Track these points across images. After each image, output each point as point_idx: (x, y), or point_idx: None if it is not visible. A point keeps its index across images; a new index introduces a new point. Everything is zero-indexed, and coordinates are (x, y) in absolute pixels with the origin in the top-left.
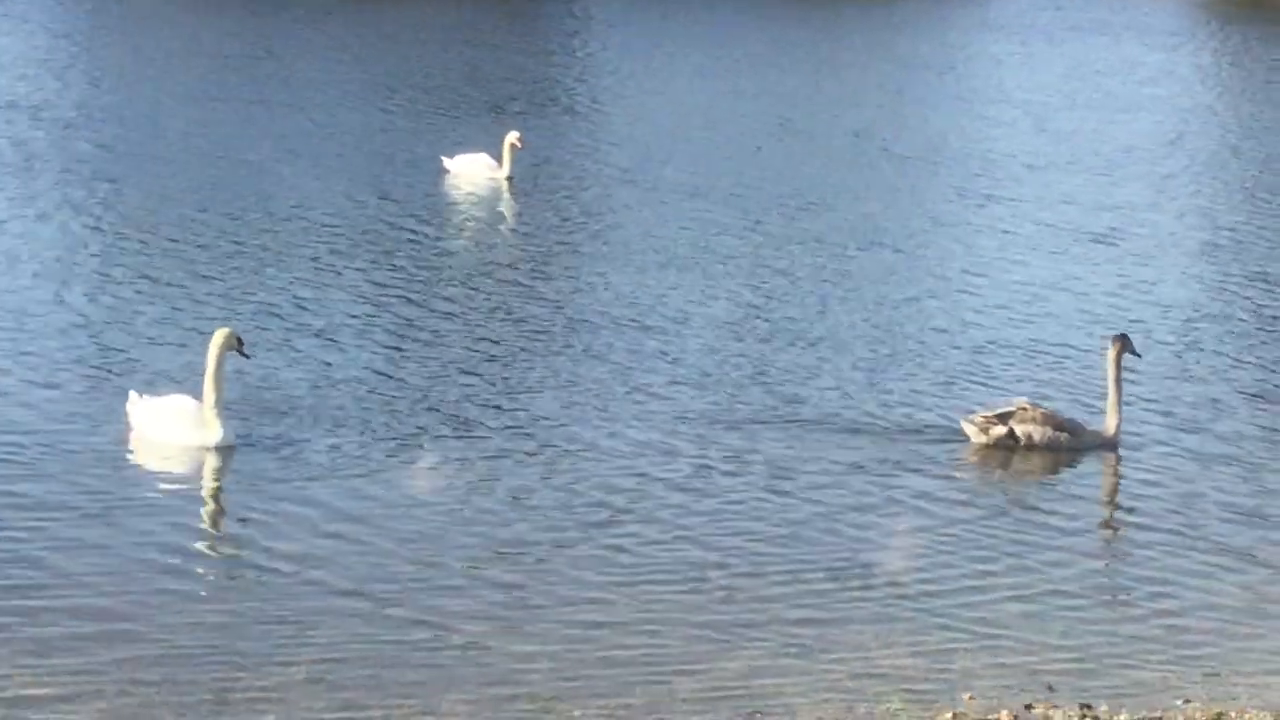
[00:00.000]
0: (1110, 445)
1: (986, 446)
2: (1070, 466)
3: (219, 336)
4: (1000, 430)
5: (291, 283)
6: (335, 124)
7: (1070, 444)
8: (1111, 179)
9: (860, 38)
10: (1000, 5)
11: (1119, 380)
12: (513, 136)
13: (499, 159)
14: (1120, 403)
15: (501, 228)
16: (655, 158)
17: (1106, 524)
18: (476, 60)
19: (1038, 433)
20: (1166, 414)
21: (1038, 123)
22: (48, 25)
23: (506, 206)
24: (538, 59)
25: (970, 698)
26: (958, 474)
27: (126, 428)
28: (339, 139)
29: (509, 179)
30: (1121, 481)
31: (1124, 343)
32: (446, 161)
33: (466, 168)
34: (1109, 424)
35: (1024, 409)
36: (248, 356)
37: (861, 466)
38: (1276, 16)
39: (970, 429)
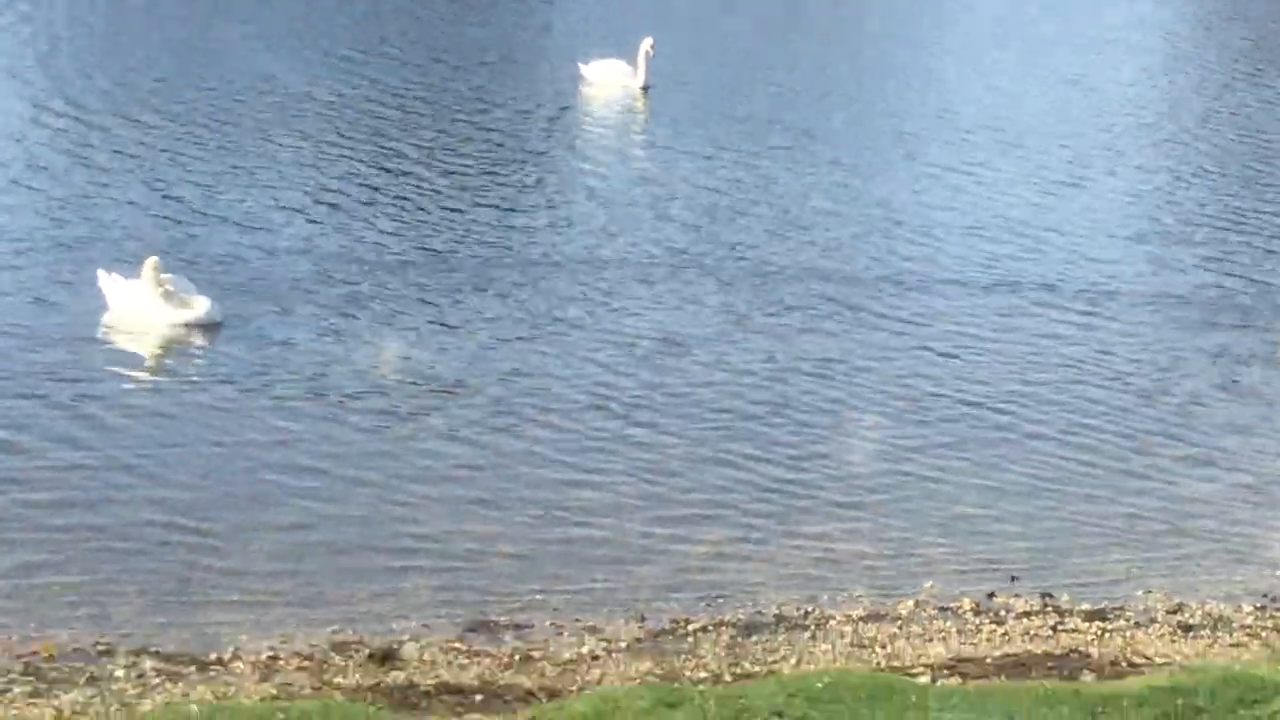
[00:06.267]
0: None
1: None
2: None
3: (150, 263)
4: None
5: (354, 168)
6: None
7: None
8: None
9: None
10: None
11: None
12: (647, 43)
13: (635, 66)
14: None
15: (629, 139)
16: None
17: (1065, 419)
18: None
19: None
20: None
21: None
22: None
23: (638, 116)
24: None
25: (932, 586)
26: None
27: (102, 306)
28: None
29: (644, 88)
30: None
31: None
32: (582, 67)
33: (601, 75)
34: None
35: None
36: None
37: (828, 361)
38: None
39: None
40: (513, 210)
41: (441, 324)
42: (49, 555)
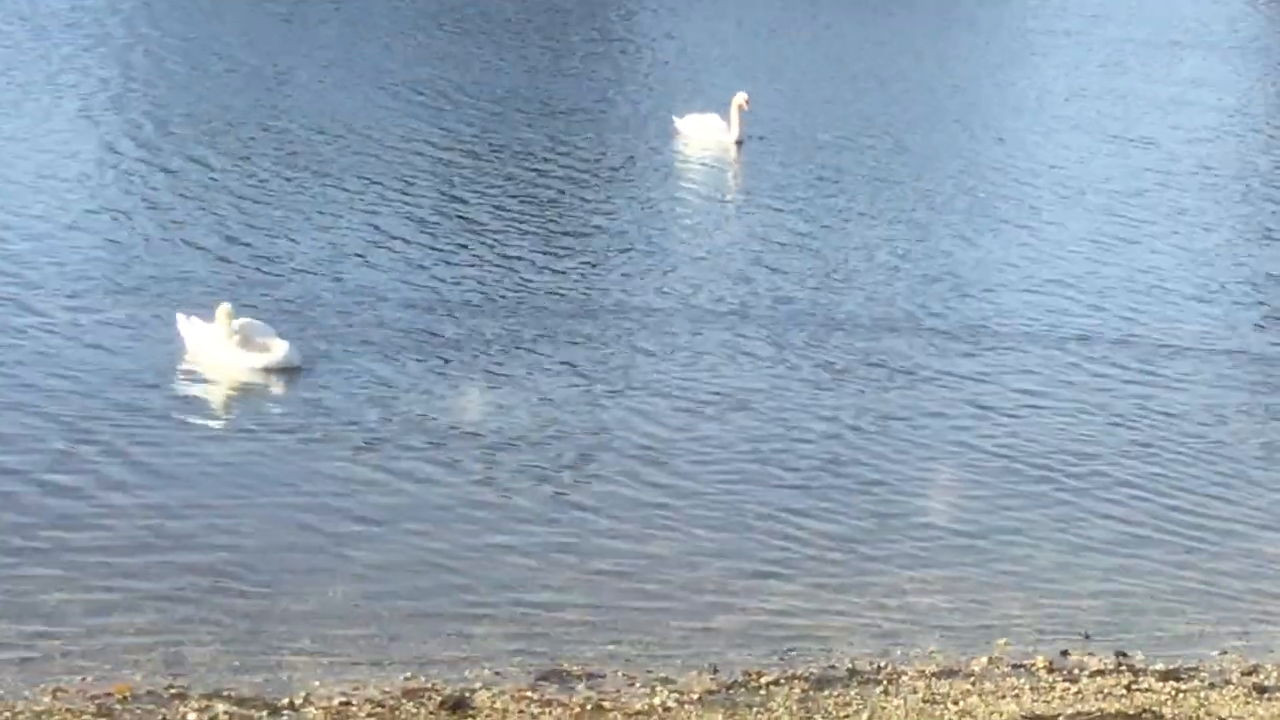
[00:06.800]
0: None
1: None
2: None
3: (222, 310)
4: None
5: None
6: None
7: None
8: None
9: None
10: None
11: None
12: (740, 98)
13: (728, 121)
14: None
15: (722, 193)
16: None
17: (1141, 476)
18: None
19: None
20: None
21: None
22: None
23: (731, 171)
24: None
25: (1006, 643)
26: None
27: (180, 349)
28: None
29: (738, 143)
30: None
31: None
32: (676, 121)
33: (695, 129)
34: None
35: None
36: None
37: (897, 417)
38: None
39: None
40: (590, 262)
41: (513, 374)
42: (123, 598)
